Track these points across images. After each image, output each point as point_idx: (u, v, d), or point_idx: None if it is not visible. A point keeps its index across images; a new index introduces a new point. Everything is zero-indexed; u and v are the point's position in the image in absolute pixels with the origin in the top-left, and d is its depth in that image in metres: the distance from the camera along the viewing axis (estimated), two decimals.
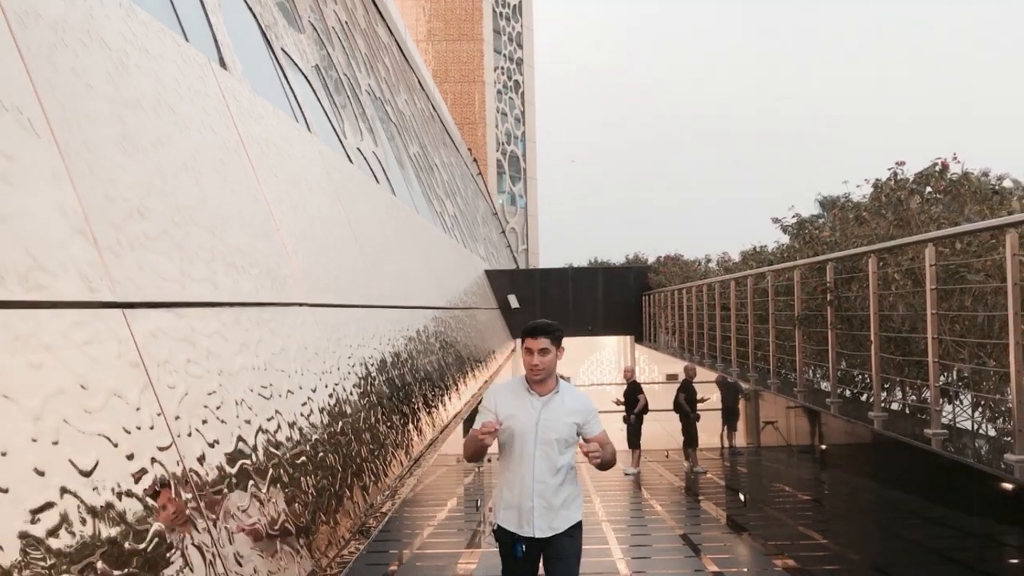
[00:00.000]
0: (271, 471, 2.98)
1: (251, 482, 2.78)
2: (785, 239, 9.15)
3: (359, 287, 5.82)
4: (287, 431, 3.27)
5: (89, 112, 2.61)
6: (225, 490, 2.58)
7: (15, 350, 1.82)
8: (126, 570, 1.93)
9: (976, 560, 4.62)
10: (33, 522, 1.68)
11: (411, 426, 5.70)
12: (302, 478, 3.24)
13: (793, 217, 8.65)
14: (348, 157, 7.63)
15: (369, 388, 4.90)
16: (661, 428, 17.49)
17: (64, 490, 1.80)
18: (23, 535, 1.64)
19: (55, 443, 1.83)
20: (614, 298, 22.41)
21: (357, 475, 3.98)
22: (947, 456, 4.65)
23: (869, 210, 6.65)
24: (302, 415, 3.51)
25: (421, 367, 7.09)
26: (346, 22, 12.38)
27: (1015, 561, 4.02)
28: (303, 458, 3.33)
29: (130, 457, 2.11)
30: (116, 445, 2.07)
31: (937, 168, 6.05)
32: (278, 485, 3.00)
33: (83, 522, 1.83)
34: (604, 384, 24.03)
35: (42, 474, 1.75)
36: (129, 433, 2.14)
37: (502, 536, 3.79)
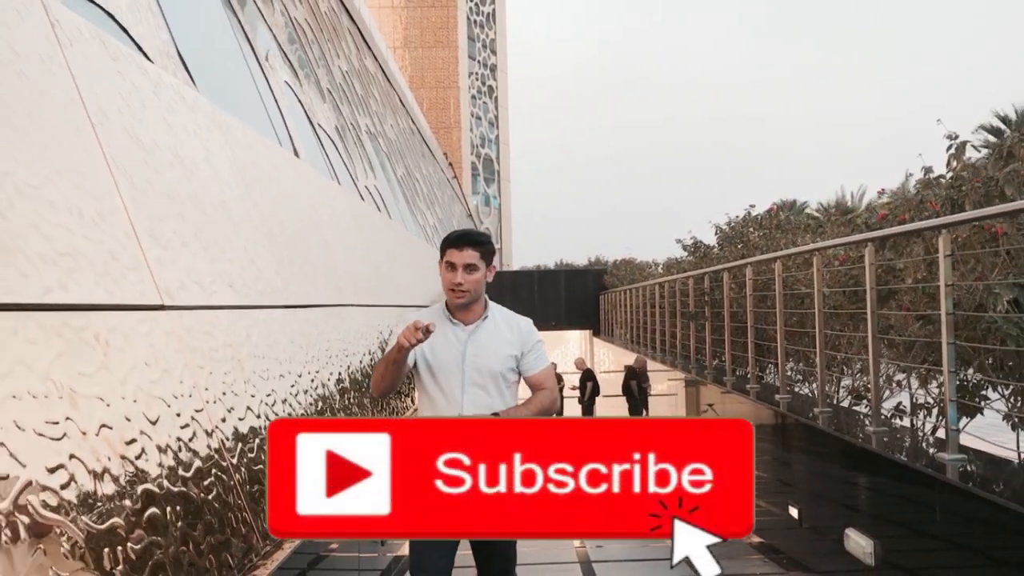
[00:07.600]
0: (351, 405, 5.70)
1: (344, 405, 5.50)
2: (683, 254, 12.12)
3: (374, 290, 8.53)
4: (357, 378, 5.99)
5: (290, 223, 5.29)
6: (339, 409, 5.31)
7: (264, 328, 4.50)
8: (260, 468, 4.64)
9: (790, 479, 7.38)
10: (240, 421, 4.38)
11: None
12: (370, 410, 5.97)
13: (691, 239, 11.51)
14: (360, 195, 10.34)
15: None
16: (613, 410, 20.27)
17: (264, 406, 4.50)
18: (237, 434, 4.34)
19: (266, 380, 4.52)
20: (575, 297, 25.33)
21: (392, 415, 6.70)
22: (787, 414, 7.33)
23: (725, 239, 9.50)
24: (359, 371, 6.22)
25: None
26: (347, 71, 15.05)
27: (810, 485, 6.80)
28: (366, 400, 6.05)
29: (300, 377, 4.81)
30: (300, 377, 4.76)
31: (771, 211, 8.88)
32: (354, 412, 5.72)
33: (256, 421, 4.54)
34: (568, 372, 26.81)
35: (262, 396, 4.45)
36: (299, 377, 4.84)
37: None
